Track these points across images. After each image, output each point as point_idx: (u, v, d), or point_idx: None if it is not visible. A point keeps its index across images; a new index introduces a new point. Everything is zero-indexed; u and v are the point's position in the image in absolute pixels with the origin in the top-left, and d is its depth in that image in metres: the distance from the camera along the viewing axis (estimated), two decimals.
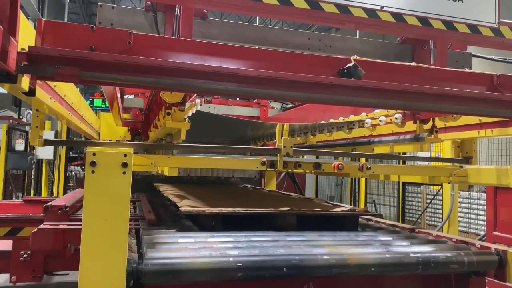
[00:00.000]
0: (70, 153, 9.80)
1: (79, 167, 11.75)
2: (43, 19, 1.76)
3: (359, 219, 3.72)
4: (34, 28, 1.77)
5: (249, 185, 6.00)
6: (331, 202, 3.82)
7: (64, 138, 8.73)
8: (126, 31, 1.80)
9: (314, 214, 3.08)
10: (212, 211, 2.81)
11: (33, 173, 8.77)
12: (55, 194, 8.69)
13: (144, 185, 5.66)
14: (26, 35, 1.70)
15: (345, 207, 3.48)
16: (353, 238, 2.77)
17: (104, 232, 1.79)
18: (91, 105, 9.99)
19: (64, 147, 8.86)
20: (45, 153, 8.32)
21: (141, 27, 2.36)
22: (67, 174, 9.70)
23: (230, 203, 3.26)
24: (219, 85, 1.85)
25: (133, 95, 6.11)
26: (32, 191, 8.69)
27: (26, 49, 1.60)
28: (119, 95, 3.86)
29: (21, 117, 12.15)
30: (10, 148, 8.70)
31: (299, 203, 3.53)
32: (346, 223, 3.14)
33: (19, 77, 1.66)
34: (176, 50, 1.86)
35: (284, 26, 17.19)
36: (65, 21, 10.58)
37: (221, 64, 1.87)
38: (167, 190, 4.40)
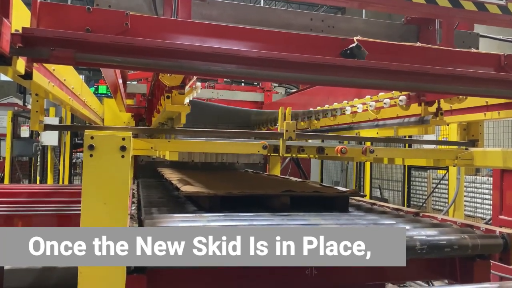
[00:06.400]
0: (76, 139, 9.79)
1: None
2: (39, 0, 1.72)
3: (363, 204, 3.75)
4: None
5: (250, 170, 6.02)
6: (325, 185, 3.89)
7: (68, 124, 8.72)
8: (123, 12, 1.77)
9: (306, 194, 3.18)
10: (210, 192, 2.92)
11: (38, 160, 8.80)
12: (60, 181, 8.72)
13: (148, 170, 5.68)
14: (21, 17, 1.67)
15: (338, 189, 3.55)
16: (356, 222, 2.75)
17: (104, 216, 1.78)
18: (96, 92, 9.94)
19: (69, 133, 8.86)
20: (49, 139, 8.30)
21: (140, 9, 2.30)
22: (73, 161, 9.72)
23: (229, 186, 3.37)
24: (218, 67, 1.80)
25: (136, 81, 6.08)
26: (38, 178, 8.73)
27: (20, 31, 1.57)
28: (120, 81, 3.81)
29: (26, 104, 12.17)
30: (15, 135, 8.73)
31: (294, 185, 3.60)
32: (337, 203, 3.28)
33: (14, 60, 1.63)
34: (174, 32, 1.82)
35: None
36: None
37: (221, 46, 1.83)
38: (170, 175, 4.44)
